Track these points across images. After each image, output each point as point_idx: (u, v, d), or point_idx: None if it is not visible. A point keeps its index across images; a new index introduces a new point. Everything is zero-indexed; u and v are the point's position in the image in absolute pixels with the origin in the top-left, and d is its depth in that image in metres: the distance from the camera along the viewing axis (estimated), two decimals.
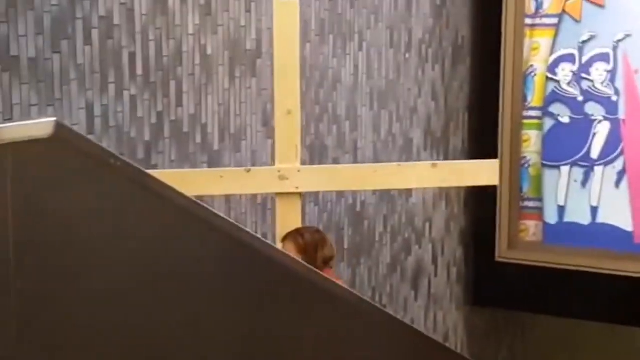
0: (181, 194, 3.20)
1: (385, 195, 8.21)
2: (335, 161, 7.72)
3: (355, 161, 7.93)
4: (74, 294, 2.77)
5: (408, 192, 8.45)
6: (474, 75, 9.04)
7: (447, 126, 8.79)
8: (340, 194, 7.81)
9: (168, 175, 5.36)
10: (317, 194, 7.57)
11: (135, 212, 2.94)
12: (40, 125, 2.63)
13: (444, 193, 8.86)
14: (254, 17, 6.88)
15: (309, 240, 5.19)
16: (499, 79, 8.74)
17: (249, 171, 5.75)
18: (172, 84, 6.33)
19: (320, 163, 7.59)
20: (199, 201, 3.63)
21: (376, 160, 8.11)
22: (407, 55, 8.28)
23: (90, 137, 5.62)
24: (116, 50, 5.99)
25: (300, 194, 5.67)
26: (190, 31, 6.42)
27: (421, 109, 8.48)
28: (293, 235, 5.24)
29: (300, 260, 4.85)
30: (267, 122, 7.15)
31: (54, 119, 2.61)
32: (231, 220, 3.51)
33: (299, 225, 5.57)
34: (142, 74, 6.15)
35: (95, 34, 5.90)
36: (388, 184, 6.48)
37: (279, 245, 5.30)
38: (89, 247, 2.79)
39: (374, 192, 8.13)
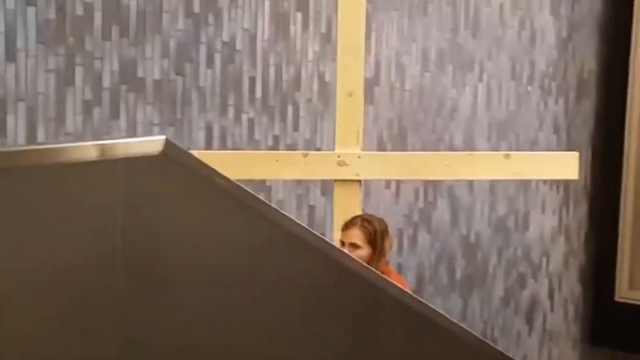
0: (282, 213, 3.24)
1: (500, 228, 8.23)
2: (451, 190, 7.82)
3: (472, 194, 8.01)
4: (172, 302, 2.87)
5: (525, 226, 8.44)
6: (599, 111, 9.00)
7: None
8: (455, 223, 7.85)
9: (221, 157, 5.47)
10: (429, 220, 7.65)
11: (235, 227, 3.00)
12: (151, 143, 2.75)
13: (563, 227, 8.82)
14: (373, 45, 7.01)
15: (377, 229, 4.94)
16: (625, 115, 8.74)
17: (306, 156, 5.54)
18: (290, 108, 6.53)
19: (429, 190, 7.68)
20: (298, 221, 3.83)
21: (493, 193, 8.18)
22: (529, 88, 8.30)
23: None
24: (237, 74, 6.23)
25: (360, 181, 5.45)
26: (310, 57, 6.61)
27: (541, 143, 8.47)
28: (361, 223, 5.00)
29: (367, 245, 4.93)
30: (384, 148, 7.23)
31: (164, 137, 2.75)
32: (328, 240, 3.61)
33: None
34: (261, 97, 6.35)
35: (217, 58, 6.16)
36: (457, 174, 6.09)
37: (338, 234, 5.17)
38: (190, 258, 2.89)
39: (489, 223, 8.17)
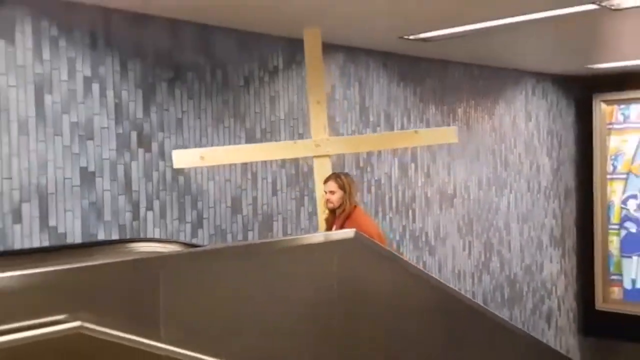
0: (415, 266, 3.28)
1: (528, 271, 8.06)
2: (499, 251, 7.69)
3: (510, 252, 7.83)
4: (370, 327, 2.78)
5: (540, 268, 8.22)
6: (578, 207, 8.85)
7: (563, 233, 8.62)
8: (502, 269, 7.70)
9: (238, 150, 4.74)
10: (488, 267, 7.53)
11: (396, 280, 2.95)
12: (346, 233, 2.83)
13: (564, 270, 8.61)
14: (452, 177, 7.06)
15: (345, 180, 4.26)
16: (593, 208, 8.65)
17: (295, 142, 4.81)
18: (410, 212, 6.59)
19: (487, 251, 7.61)
20: (425, 271, 3.65)
21: (522, 253, 8.01)
22: (538, 196, 8.24)
23: None
24: (381, 196, 6.27)
25: (329, 156, 4.64)
26: (419, 184, 6.71)
27: (547, 224, 8.40)
28: (334, 177, 4.31)
29: (339, 190, 4.21)
30: (462, 232, 7.22)
31: (353, 230, 2.82)
32: (442, 281, 3.46)
33: None
34: (395, 207, 6.41)
35: (373, 187, 6.11)
36: (388, 145, 5.49)
37: (322, 186, 4.39)
38: (375, 302, 2.82)
39: (522, 266, 7.96)
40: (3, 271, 1.96)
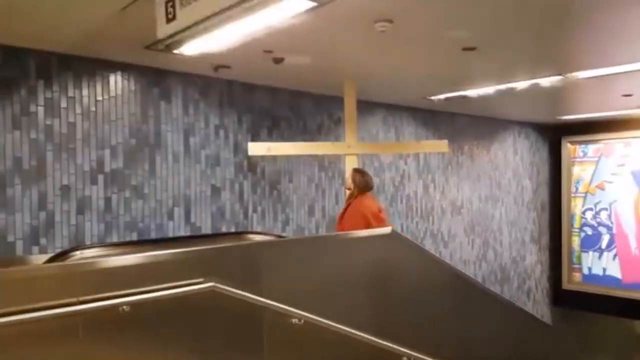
0: (433, 255, 2.99)
1: (514, 260, 7.78)
2: (494, 245, 7.50)
3: (502, 247, 7.56)
4: (399, 300, 2.63)
5: (523, 258, 7.92)
6: (550, 216, 8.50)
7: (540, 235, 8.31)
8: (495, 258, 7.41)
9: (293, 146, 4.37)
10: (485, 256, 7.31)
11: (417, 264, 2.77)
12: (384, 230, 2.69)
13: (540, 260, 8.29)
14: (460, 193, 6.83)
15: (354, 175, 3.99)
16: (561, 217, 8.38)
17: (333, 144, 4.55)
18: (430, 217, 6.39)
19: (484, 246, 7.37)
20: (442, 259, 3.20)
21: (510, 248, 7.71)
22: (522, 208, 7.98)
23: None
24: (410, 206, 6.10)
25: (357, 154, 4.36)
26: (437, 198, 6.54)
27: (529, 228, 8.11)
28: (354, 170, 4.09)
29: (353, 182, 3.95)
30: (467, 232, 7.17)
31: (390, 227, 2.68)
32: (452, 265, 3.30)
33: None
34: (420, 214, 6.24)
35: (404, 200, 5.99)
36: (398, 150, 5.29)
37: (349, 175, 4.11)
38: (404, 276, 2.69)
39: (510, 257, 7.68)
40: (164, 250, 2.09)
